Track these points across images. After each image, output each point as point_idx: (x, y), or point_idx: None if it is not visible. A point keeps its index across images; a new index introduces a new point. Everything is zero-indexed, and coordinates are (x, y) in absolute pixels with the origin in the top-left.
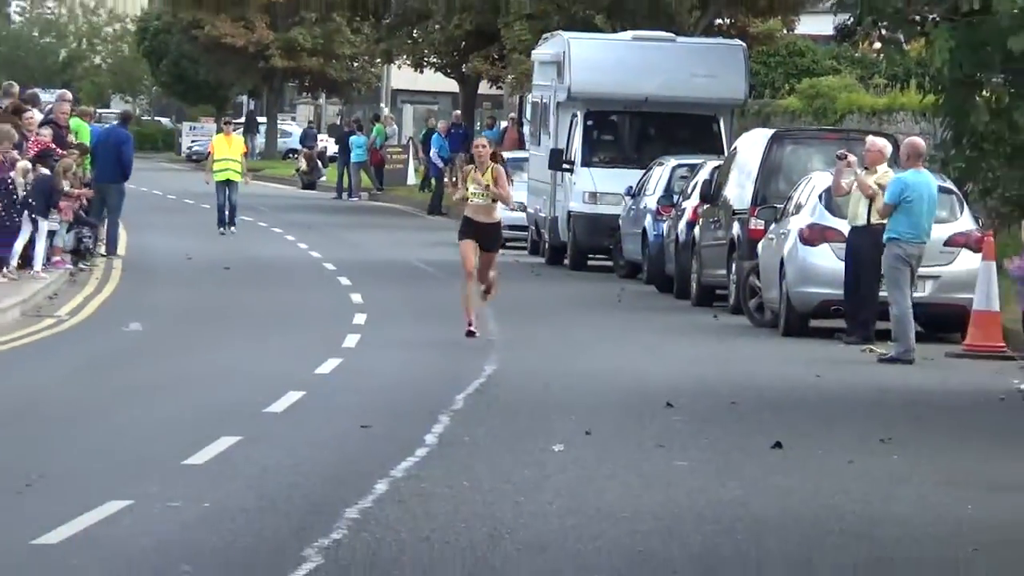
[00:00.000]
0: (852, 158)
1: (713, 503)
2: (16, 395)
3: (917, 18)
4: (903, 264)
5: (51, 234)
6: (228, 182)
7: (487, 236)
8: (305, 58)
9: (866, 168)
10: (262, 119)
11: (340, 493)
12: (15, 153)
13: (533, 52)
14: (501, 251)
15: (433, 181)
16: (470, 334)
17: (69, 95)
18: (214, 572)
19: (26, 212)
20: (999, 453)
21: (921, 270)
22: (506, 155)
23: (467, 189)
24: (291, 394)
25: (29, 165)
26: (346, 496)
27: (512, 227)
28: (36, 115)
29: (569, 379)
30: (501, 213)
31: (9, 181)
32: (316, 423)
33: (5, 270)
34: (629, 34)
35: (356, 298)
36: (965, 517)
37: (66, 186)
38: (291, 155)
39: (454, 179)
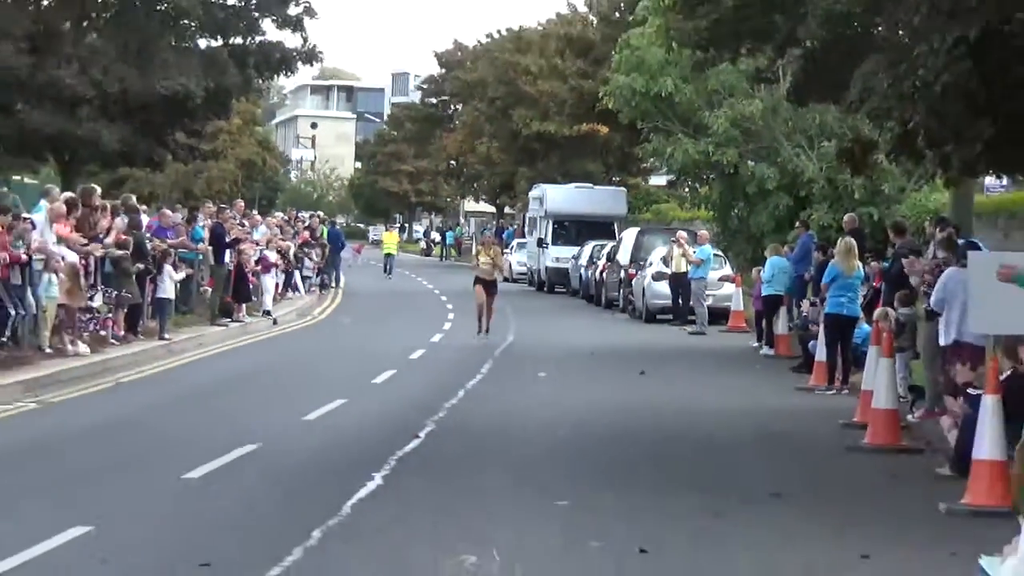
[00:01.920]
0: (682, 235)
1: None
2: (282, 355)
3: (703, 176)
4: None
5: (305, 277)
6: (389, 254)
7: (490, 287)
8: (425, 197)
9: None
10: (405, 224)
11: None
12: (287, 243)
13: (529, 193)
14: (514, 284)
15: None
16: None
17: (321, 214)
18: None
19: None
20: None
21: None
22: (516, 241)
23: (479, 261)
24: (388, 371)
25: (291, 246)
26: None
27: (519, 273)
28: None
29: (546, 339)
30: (498, 274)
31: (291, 254)
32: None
33: (290, 292)
34: (573, 185)
35: (449, 306)
36: None
37: (315, 256)
38: (418, 241)
39: (476, 253)
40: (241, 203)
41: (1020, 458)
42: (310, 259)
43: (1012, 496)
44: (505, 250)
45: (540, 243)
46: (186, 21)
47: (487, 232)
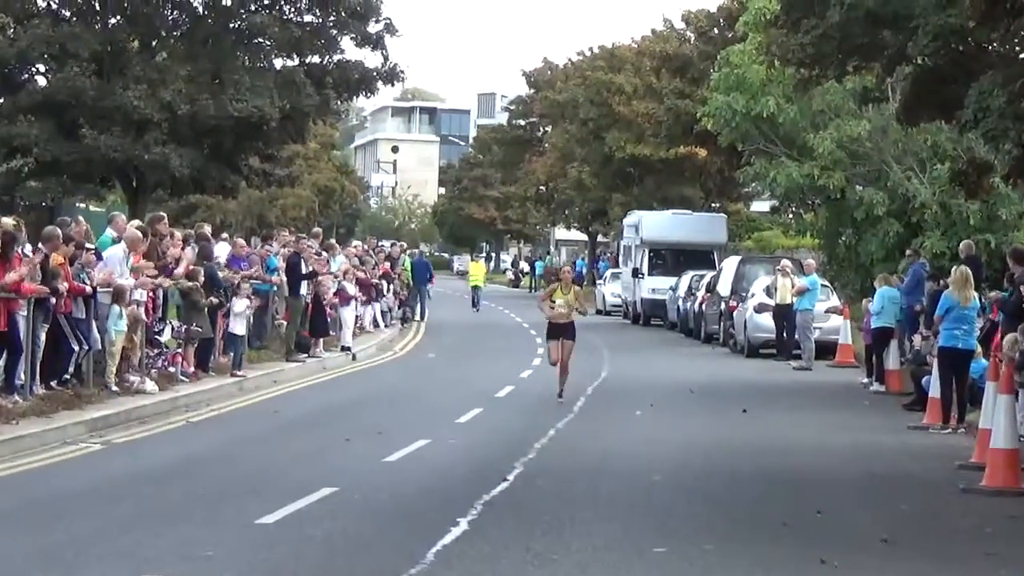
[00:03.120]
0: (787, 264)
1: None
2: (362, 392)
3: (808, 202)
4: None
5: (386, 311)
6: (476, 286)
7: (568, 333)
8: (513, 224)
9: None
10: (492, 254)
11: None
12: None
13: (624, 220)
14: (607, 316)
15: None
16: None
17: (403, 243)
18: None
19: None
20: None
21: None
22: (610, 271)
23: (553, 303)
24: (474, 410)
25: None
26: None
27: (614, 305)
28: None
29: (642, 375)
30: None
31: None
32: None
33: (370, 326)
34: (670, 212)
35: (538, 340)
36: None
37: (397, 287)
38: (506, 271)
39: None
40: (319, 231)
41: None
42: (393, 292)
43: None
44: (599, 280)
45: (635, 273)
46: (261, 40)
47: (557, 262)
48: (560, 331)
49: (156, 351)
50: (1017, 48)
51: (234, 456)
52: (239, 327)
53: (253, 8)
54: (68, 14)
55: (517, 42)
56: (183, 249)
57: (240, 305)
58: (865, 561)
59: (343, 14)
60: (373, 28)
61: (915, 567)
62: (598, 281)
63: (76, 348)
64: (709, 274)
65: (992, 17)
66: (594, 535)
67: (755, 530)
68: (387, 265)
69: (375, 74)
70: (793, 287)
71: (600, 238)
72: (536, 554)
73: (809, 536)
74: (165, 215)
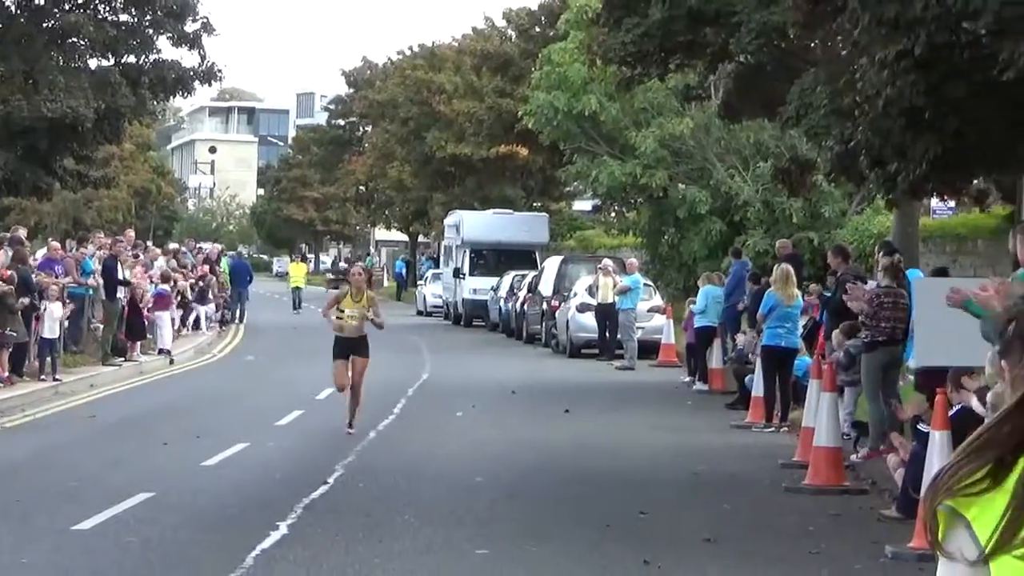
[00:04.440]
0: (609, 263)
1: None
2: (179, 396)
3: (631, 200)
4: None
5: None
6: (296, 288)
7: (360, 350)
8: (333, 225)
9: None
10: (311, 255)
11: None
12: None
13: (444, 220)
14: (428, 317)
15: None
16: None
17: (220, 246)
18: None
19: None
20: None
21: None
22: (431, 271)
23: (342, 314)
24: (294, 412)
25: (190, 279)
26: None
27: (435, 306)
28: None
29: (464, 376)
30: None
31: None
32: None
33: (186, 329)
34: (491, 211)
35: None
36: None
37: (215, 290)
38: (325, 272)
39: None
40: (131, 233)
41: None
42: (212, 294)
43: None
44: (419, 281)
45: (456, 273)
46: (75, 39)
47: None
48: (350, 347)
49: None
50: (840, 46)
51: (50, 462)
52: (53, 331)
53: (67, 7)
54: None
55: (337, 41)
56: None
57: (54, 309)
58: (689, 561)
59: (159, 13)
60: (190, 27)
61: (738, 566)
62: (419, 282)
63: None
64: (531, 274)
65: (815, 15)
66: (416, 538)
67: (578, 531)
68: (206, 267)
69: (192, 74)
70: (615, 286)
71: (421, 238)
72: (357, 557)
73: (632, 537)
74: None
